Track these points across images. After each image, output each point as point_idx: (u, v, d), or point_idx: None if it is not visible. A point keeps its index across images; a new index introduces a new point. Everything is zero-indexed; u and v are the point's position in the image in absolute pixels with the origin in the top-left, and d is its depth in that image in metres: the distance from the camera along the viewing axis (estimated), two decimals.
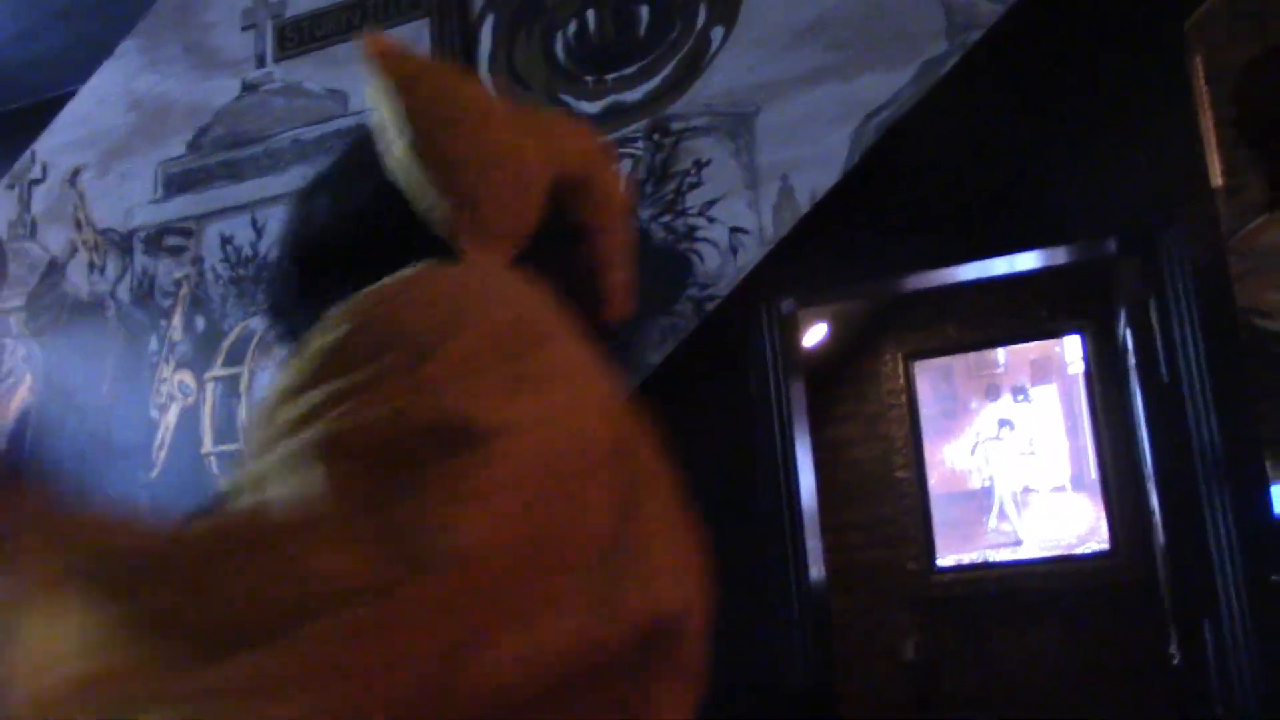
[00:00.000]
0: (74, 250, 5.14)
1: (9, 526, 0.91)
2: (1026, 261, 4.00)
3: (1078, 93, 3.79)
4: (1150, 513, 4.95)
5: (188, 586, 0.82)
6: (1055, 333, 6.86)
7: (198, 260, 4.86)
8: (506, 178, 1.05)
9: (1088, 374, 6.76)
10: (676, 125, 4.09)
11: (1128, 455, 5.99)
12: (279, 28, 4.87)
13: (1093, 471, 6.77)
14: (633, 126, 4.16)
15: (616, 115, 4.18)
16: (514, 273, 1.02)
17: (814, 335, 6.35)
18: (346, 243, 1.14)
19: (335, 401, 0.86)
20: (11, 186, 5.30)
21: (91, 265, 5.08)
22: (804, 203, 3.85)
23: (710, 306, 3.91)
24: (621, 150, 4.12)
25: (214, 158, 4.90)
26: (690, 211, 4.04)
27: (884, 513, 6.94)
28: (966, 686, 6.42)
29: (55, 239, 5.18)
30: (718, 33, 4.10)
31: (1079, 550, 6.67)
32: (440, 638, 0.80)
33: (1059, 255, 3.96)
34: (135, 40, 5.15)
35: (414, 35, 4.46)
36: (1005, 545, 6.94)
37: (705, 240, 3.99)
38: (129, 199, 5.04)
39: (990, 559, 6.87)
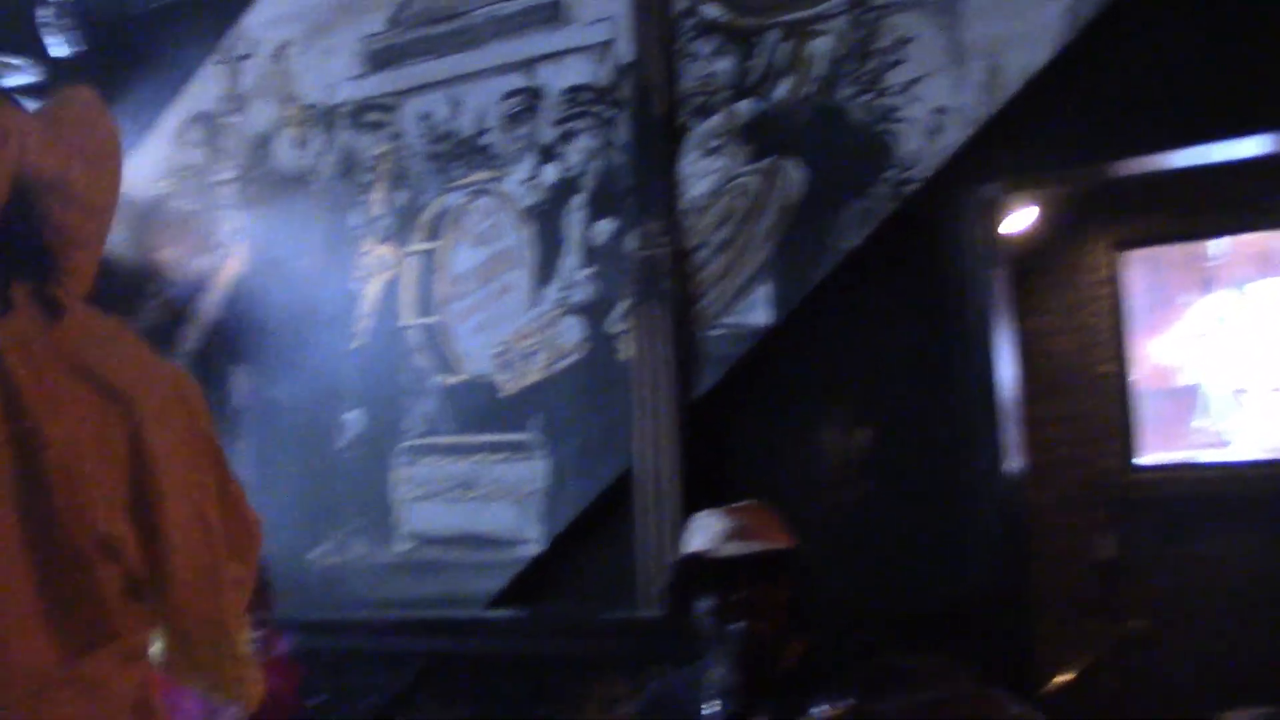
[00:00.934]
0: (280, 125, 5.29)
1: None
2: (1247, 148, 3.70)
3: None
4: None
5: None
6: (1277, 224, 6.41)
7: (397, 136, 4.94)
8: None
9: None
10: (879, 0, 3.91)
11: None
12: None
13: None
14: (833, 1, 4.00)
15: None
16: None
17: (1017, 221, 6.07)
18: None
19: None
20: (221, 62, 5.47)
21: (296, 140, 5.22)
22: (1012, 82, 3.64)
23: (909, 190, 3.77)
24: (819, 27, 3.97)
25: (413, 34, 4.94)
26: (890, 91, 3.88)
27: (1084, 408, 6.68)
28: (1161, 590, 6.21)
29: (263, 114, 5.35)
30: None
31: None
32: None
33: None
34: None
35: None
36: (1212, 446, 6.62)
37: (905, 121, 3.83)
38: (332, 75, 5.14)
39: (1196, 460, 6.57)
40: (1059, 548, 6.44)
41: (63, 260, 1.44)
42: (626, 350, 4.26)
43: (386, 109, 4.98)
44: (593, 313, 4.39)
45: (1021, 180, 4.22)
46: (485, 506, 4.51)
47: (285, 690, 2.56)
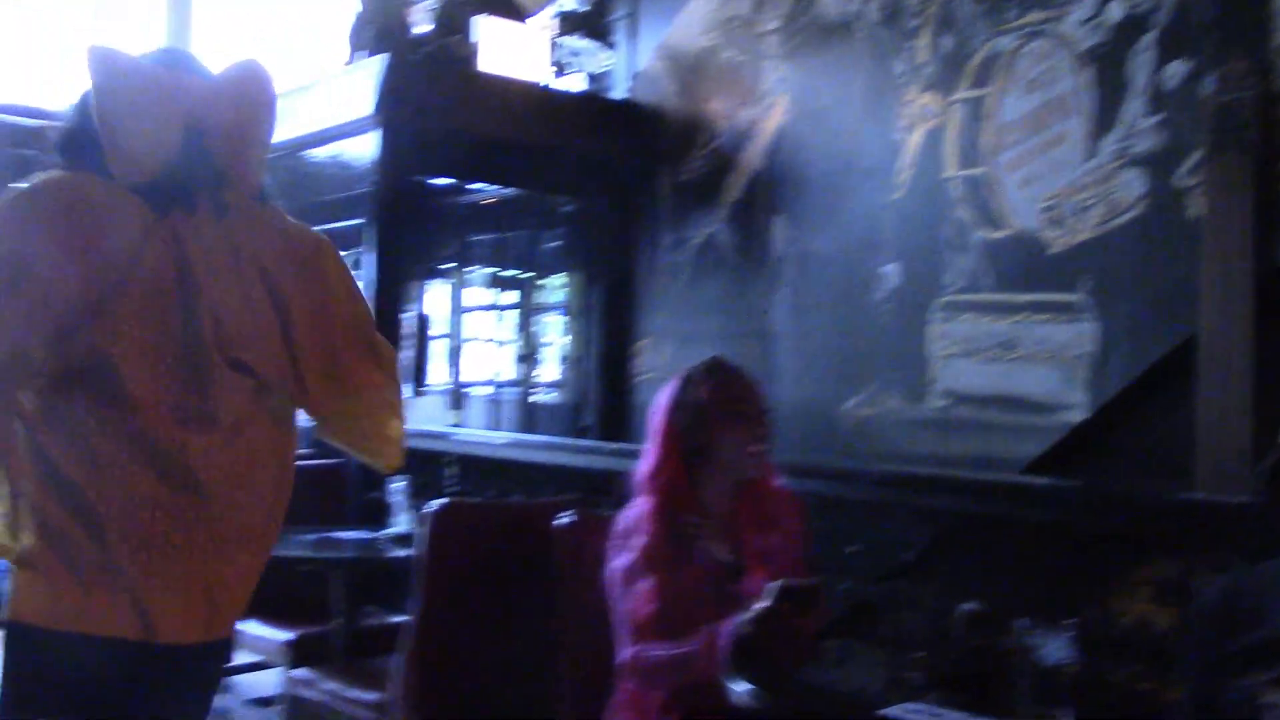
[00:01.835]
0: None
1: None
2: None
3: None
4: None
5: None
6: None
7: None
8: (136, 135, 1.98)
9: None
10: None
11: None
12: None
13: None
14: None
15: None
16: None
17: None
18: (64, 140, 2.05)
19: None
20: None
21: None
22: None
23: None
24: None
25: None
26: None
27: None
28: None
29: None
30: None
31: None
32: None
33: None
34: None
35: None
36: None
37: None
38: None
39: None
40: None
41: (229, 176, 2.06)
42: (1197, 207, 3.83)
43: None
44: (1158, 165, 3.98)
45: None
46: (1026, 368, 4.30)
47: (791, 519, 2.60)
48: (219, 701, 4.25)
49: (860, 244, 4.93)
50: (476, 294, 7.21)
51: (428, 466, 4.65)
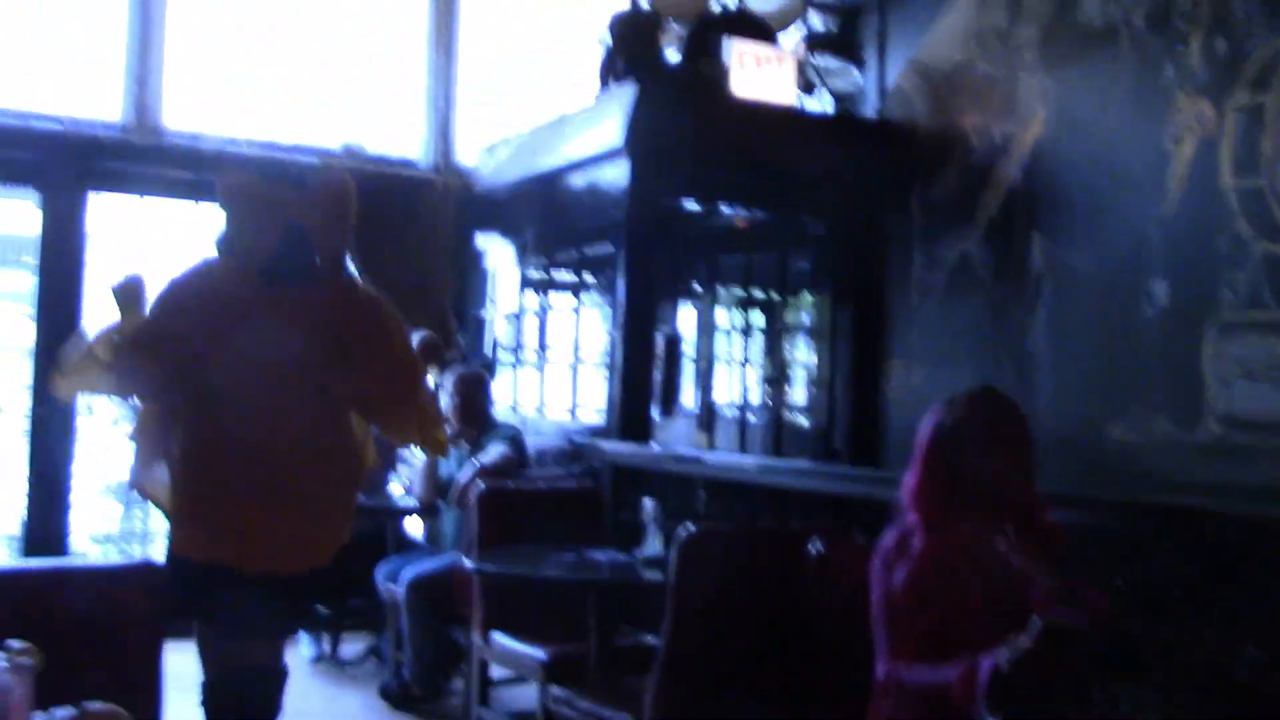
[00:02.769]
0: None
1: None
2: None
3: None
4: None
5: None
6: None
7: None
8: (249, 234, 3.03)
9: None
10: None
11: None
12: None
13: None
14: None
15: None
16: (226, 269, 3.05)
17: None
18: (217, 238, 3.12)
19: None
20: None
21: None
22: None
23: None
24: None
25: None
26: None
27: None
28: None
29: None
30: None
31: None
32: None
33: None
34: None
35: None
36: None
37: None
38: None
39: None
40: None
41: (317, 260, 3.08)
42: None
43: None
44: None
45: None
46: None
47: (1058, 555, 2.50)
48: (482, 714, 4.42)
49: (1126, 260, 4.70)
50: (725, 316, 7.26)
51: (680, 488, 4.70)
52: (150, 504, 3.30)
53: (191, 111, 6.38)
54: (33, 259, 6.17)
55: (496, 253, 6.74)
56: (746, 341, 7.09)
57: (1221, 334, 4.33)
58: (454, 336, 6.69)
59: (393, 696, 5.09)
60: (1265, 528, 3.14)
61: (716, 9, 5.98)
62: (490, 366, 6.56)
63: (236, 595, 2.85)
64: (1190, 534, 3.19)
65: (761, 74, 5.59)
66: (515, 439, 5.26)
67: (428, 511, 5.56)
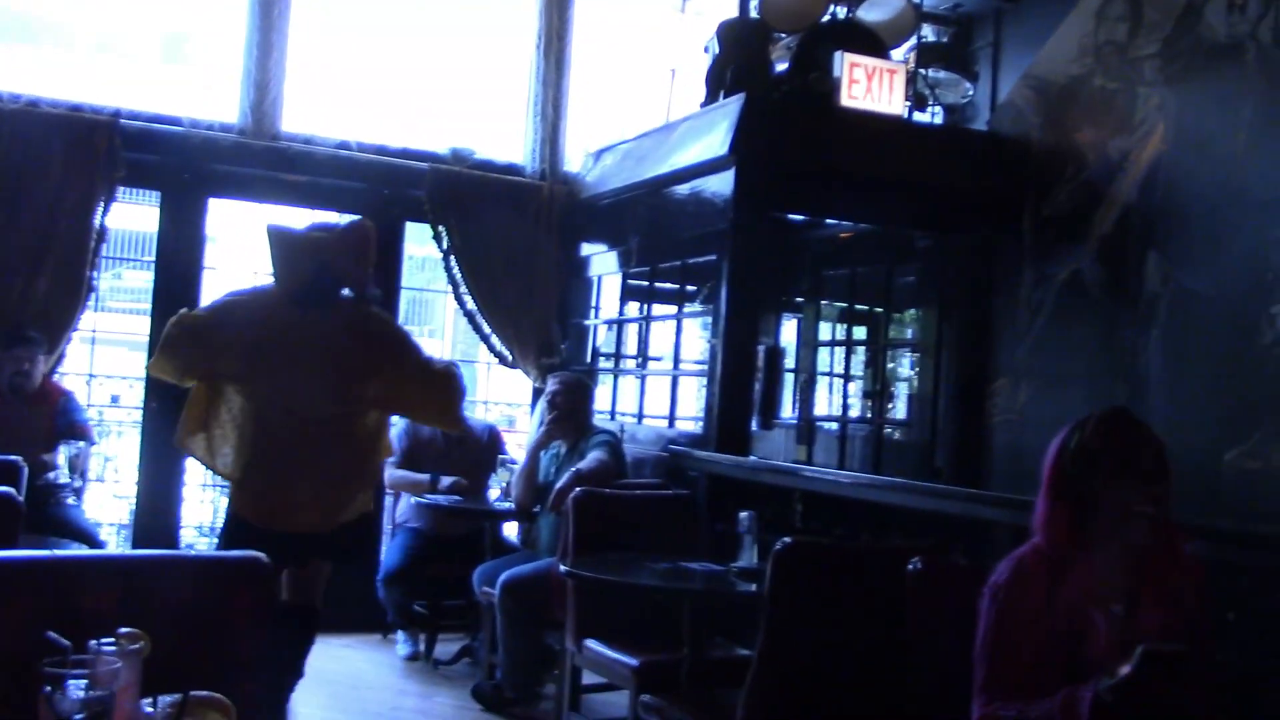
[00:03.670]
0: None
1: None
2: None
3: None
4: None
5: None
6: None
7: None
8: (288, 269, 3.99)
9: None
10: None
11: None
12: None
13: None
14: None
15: None
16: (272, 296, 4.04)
17: None
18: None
19: None
20: None
21: (1231, 6, 4.76)
22: None
23: None
24: None
25: None
26: None
27: None
28: None
29: None
30: None
31: None
32: None
33: None
34: None
35: None
36: None
37: None
38: None
39: None
40: None
41: (340, 292, 3.99)
42: None
43: None
44: None
45: None
46: None
47: (1186, 585, 2.40)
48: (573, 719, 4.44)
49: (1247, 282, 4.55)
50: (828, 329, 7.20)
51: (776, 501, 4.67)
52: (191, 458, 4.41)
53: (305, 115, 6.53)
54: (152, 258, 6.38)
55: (600, 260, 6.77)
56: (849, 355, 7.02)
57: None
58: (557, 343, 6.73)
59: (486, 698, 5.13)
60: None
61: (827, 19, 5.93)
62: (592, 373, 6.59)
63: (271, 548, 3.56)
64: None
65: (871, 86, 5.53)
66: (613, 446, 5.27)
67: (525, 515, 5.60)
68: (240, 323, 3.91)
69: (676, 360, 6.27)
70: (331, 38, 6.83)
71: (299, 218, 6.41)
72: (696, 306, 6.35)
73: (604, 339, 7.09)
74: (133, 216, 7.80)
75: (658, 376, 6.48)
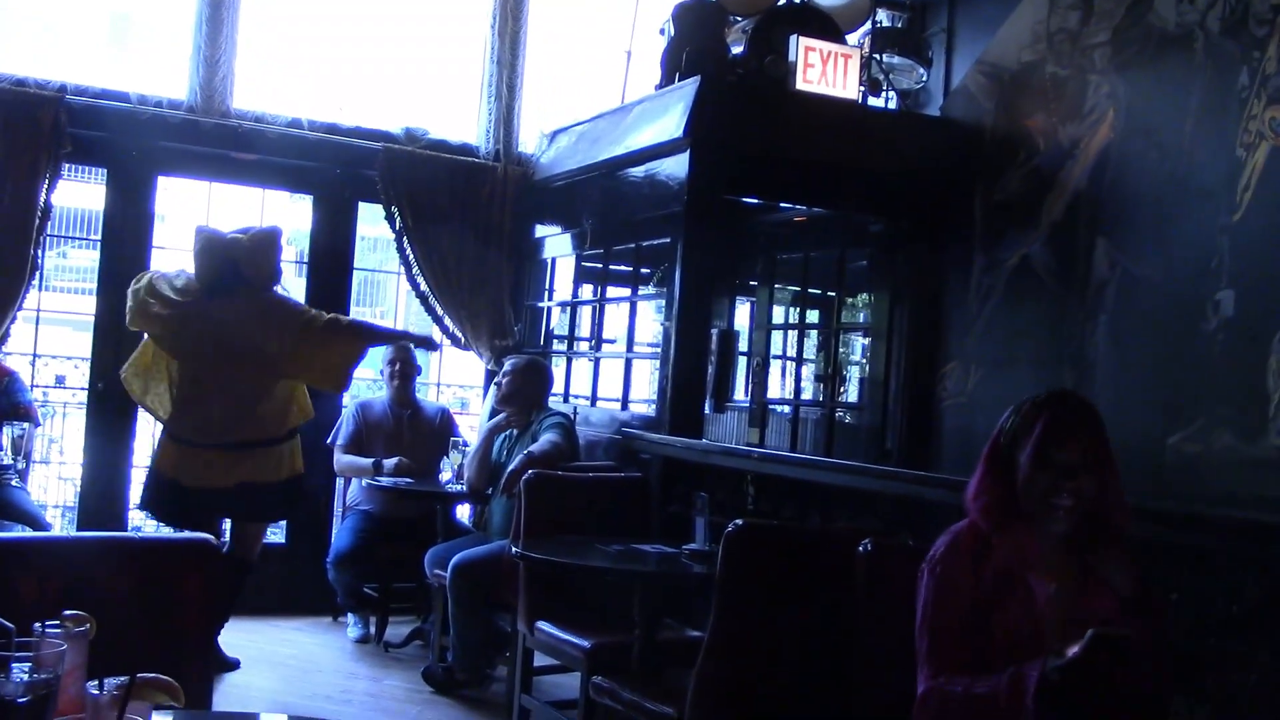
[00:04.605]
0: None
1: None
2: None
3: None
4: None
5: None
6: None
7: None
8: (204, 264, 5.25)
9: None
10: None
11: None
12: None
13: None
14: None
15: None
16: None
17: None
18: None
19: None
20: None
21: None
22: None
23: None
24: None
25: None
26: None
27: None
28: None
29: None
30: None
31: None
32: None
33: None
34: None
35: None
36: None
37: None
38: None
39: None
40: None
41: (243, 282, 5.19)
42: None
43: None
44: None
45: None
46: None
47: (1125, 573, 2.43)
48: (525, 701, 4.44)
49: (1192, 269, 4.62)
50: (781, 312, 7.23)
51: (728, 483, 4.69)
52: (130, 395, 5.37)
53: (257, 93, 6.45)
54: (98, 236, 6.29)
55: (554, 242, 6.75)
56: (802, 339, 7.05)
57: None
58: (511, 325, 6.71)
59: (436, 680, 5.13)
60: None
61: (782, 3, 5.93)
62: (546, 356, 6.58)
63: (187, 503, 5.08)
64: (1250, 549, 3.13)
65: (826, 70, 5.54)
66: (566, 428, 5.27)
67: (477, 498, 5.59)
68: (170, 300, 5.11)
69: (630, 343, 6.27)
70: (284, 13, 6.74)
71: (243, 204, 6.48)
72: (650, 289, 6.36)
73: (558, 321, 7.08)
74: (79, 194, 7.68)
75: (611, 359, 6.48)
